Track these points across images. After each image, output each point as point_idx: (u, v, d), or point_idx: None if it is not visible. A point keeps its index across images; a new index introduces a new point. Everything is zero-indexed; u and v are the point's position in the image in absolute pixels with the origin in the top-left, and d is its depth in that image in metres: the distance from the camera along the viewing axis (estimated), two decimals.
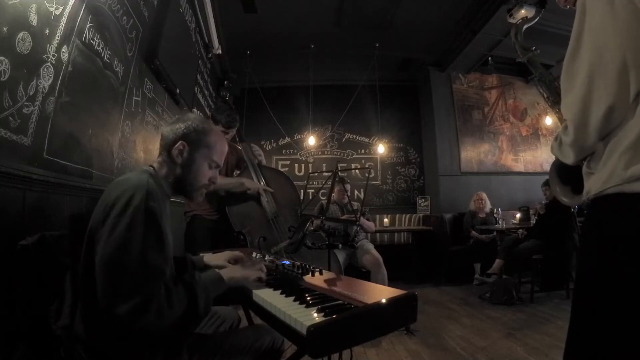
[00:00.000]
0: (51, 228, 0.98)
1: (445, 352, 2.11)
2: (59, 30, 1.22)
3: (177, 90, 2.60)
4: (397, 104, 5.28)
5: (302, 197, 3.13)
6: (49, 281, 0.88)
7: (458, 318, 2.78)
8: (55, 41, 1.21)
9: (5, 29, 0.97)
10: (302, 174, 5.10)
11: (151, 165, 1.01)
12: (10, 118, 1.02)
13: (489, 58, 4.48)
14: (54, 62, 1.20)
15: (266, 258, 1.29)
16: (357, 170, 5.10)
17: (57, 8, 1.20)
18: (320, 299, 0.83)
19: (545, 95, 1.03)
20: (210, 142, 1.02)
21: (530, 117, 5.13)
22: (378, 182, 5.20)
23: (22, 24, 1.04)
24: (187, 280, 0.84)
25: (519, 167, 4.97)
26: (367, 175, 3.36)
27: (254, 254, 1.36)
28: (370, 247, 2.90)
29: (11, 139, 1.03)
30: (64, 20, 1.24)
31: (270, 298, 0.86)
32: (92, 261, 0.78)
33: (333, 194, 2.54)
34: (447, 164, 4.76)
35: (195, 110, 3.27)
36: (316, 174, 5.05)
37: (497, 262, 3.49)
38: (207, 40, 3.63)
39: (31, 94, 1.10)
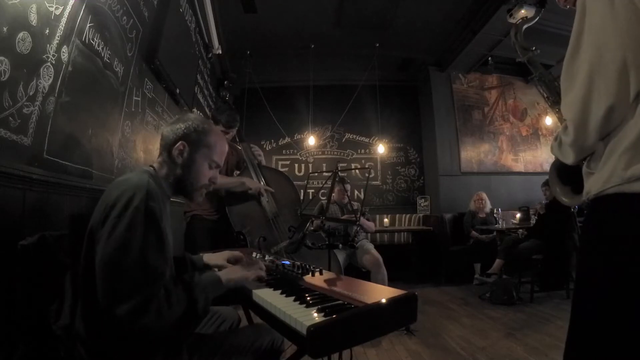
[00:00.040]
0: (51, 228, 0.98)
1: (445, 352, 2.10)
2: (59, 30, 1.22)
3: (177, 90, 2.60)
4: (397, 104, 5.28)
5: (302, 197, 3.13)
6: (49, 281, 0.88)
7: (458, 318, 2.78)
8: (55, 41, 1.21)
9: (5, 29, 0.97)
10: (302, 174, 5.10)
11: (151, 166, 1.01)
12: (10, 118, 1.02)
13: (489, 58, 4.48)
14: (54, 62, 1.20)
15: (266, 258, 1.29)
16: (357, 170, 5.10)
17: (57, 8, 1.20)
18: (320, 299, 0.83)
19: (545, 95, 1.03)
20: (210, 142, 1.02)
21: (530, 117, 5.13)
22: (378, 182, 5.20)
23: (22, 24, 1.04)
24: (187, 281, 0.84)
25: (519, 167, 4.97)
26: (367, 175, 3.36)
27: (254, 254, 1.36)
28: (370, 247, 2.90)
29: (11, 139, 1.03)
30: (64, 20, 1.24)
31: (270, 298, 0.86)
32: (92, 261, 0.78)
33: (333, 194, 2.53)
34: (447, 164, 4.76)
35: (195, 110, 3.27)
36: (316, 174, 5.05)
37: (497, 262, 3.49)
38: (207, 40, 3.63)
39: (31, 94, 1.10)
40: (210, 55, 3.78)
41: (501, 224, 3.95)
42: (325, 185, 2.45)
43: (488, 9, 3.58)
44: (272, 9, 3.70)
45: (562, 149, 0.76)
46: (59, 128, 1.27)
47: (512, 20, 3.22)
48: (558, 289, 3.33)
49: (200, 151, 1.00)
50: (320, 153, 5.21)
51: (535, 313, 2.84)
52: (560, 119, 0.81)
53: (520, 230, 3.71)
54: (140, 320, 0.72)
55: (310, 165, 5.18)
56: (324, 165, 5.14)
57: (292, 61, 4.77)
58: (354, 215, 2.62)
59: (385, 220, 4.58)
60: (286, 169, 5.09)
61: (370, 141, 5.26)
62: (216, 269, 1.15)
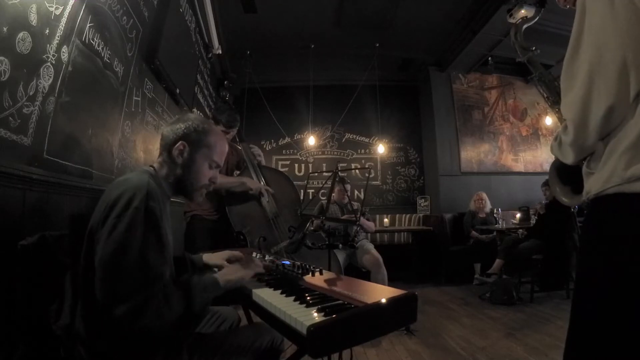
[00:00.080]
0: (51, 228, 0.98)
1: (445, 352, 2.10)
2: (59, 30, 1.22)
3: (177, 90, 2.60)
4: (397, 104, 5.28)
5: (302, 197, 3.13)
6: (49, 281, 0.88)
7: (458, 318, 2.78)
8: (55, 41, 1.21)
9: (5, 29, 0.97)
10: (302, 174, 5.10)
11: (151, 166, 1.01)
12: (10, 118, 1.02)
13: (489, 58, 4.48)
14: (54, 62, 1.20)
15: (266, 258, 1.29)
16: (357, 170, 5.10)
17: (57, 8, 1.20)
18: (320, 298, 0.83)
19: (545, 95, 1.03)
20: (210, 142, 1.02)
21: (530, 117, 5.13)
22: (378, 182, 5.20)
23: (22, 24, 1.04)
24: (185, 283, 0.84)
25: (519, 167, 4.97)
26: (367, 175, 3.36)
27: (254, 254, 1.36)
28: (370, 247, 2.90)
29: (11, 139, 1.03)
30: (64, 20, 1.24)
31: (270, 298, 0.86)
32: (92, 261, 0.78)
33: (333, 194, 2.54)
34: (447, 164, 4.76)
35: (195, 110, 3.27)
36: (316, 174, 5.05)
37: (497, 262, 3.49)
38: (207, 40, 3.63)
39: (31, 94, 1.10)
40: (210, 55, 3.79)
41: (501, 224, 3.95)
42: (325, 185, 2.46)
43: (488, 9, 3.58)
44: (272, 9, 3.70)
45: (562, 149, 0.76)
46: (59, 128, 1.27)
47: (512, 20, 3.22)
48: (558, 289, 3.33)
49: (200, 151, 1.00)
50: (320, 153, 5.21)
51: (535, 313, 2.84)
52: (560, 118, 0.81)
53: (520, 230, 3.71)
54: (139, 321, 0.73)
55: (310, 165, 5.18)
56: (324, 165, 5.14)
57: (292, 61, 4.76)
58: (354, 215, 2.62)
59: (385, 220, 4.58)
60: (286, 169, 5.09)
61: (370, 141, 5.26)
62: (216, 269, 1.15)
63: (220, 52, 3.95)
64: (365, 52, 4.56)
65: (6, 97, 0.99)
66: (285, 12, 3.79)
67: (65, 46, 1.26)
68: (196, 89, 3.38)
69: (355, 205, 3.12)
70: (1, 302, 0.90)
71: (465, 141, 4.85)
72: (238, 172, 2.27)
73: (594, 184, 0.67)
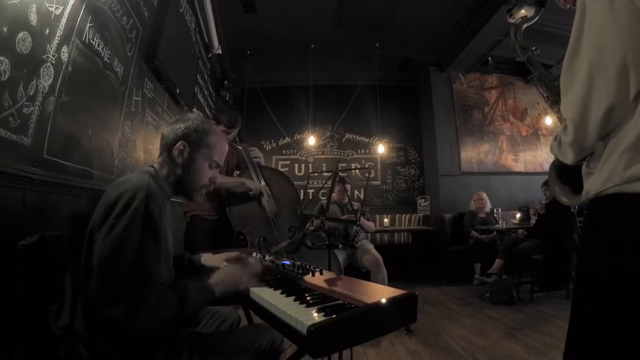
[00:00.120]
0: (51, 228, 0.98)
1: (445, 352, 2.11)
2: (59, 30, 1.22)
3: (177, 90, 2.60)
4: (397, 104, 5.28)
5: (302, 197, 3.13)
6: (49, 281, 0.88)
7: (458, 318, 2.78)
8: (55, 41, 1.21)
9: (5, 29, 0.97)
10: (302, 174, 5.10)
11: (152, 166, 1.01)
12: (10, 118, 1.02)
13: (489, 58, 4.48)
14: (54, 62, 1.20)
15: (266, 258, 1.29)
16: (357, 170, 5.10)
17: (57, 8, 1.20)
18: (321, 298, 0.83)
19: (545, 95, 1.03)
20: (210, 142, 1.02)
21: (530, 117, 5.13)
22: (378, 182, 5.20)
23: (22, 24, 1.04)
24: (180, 288, 0.83)
25: (519, 167, 4.97)
26: (367, 175, 3.36)
27: (254, 254, 1.36)
28: (370, 247, 2.90)
29: (11, 139, 1.03)
30: (64, 20, 1.24)
31: (270, 298, 0.86)
32: (92, 261, 0.78)
33: (333, 194, 2.53)
34: (447, 164, 4.76)
35: (195, 110, 3.27)
36: (316, 174, 5.05)
37: (497, 262, 3.49)
38: (207, 40, 3.63)
39: (31, 94, 1.10)
40: (210, 55, 3.79)
41: (501, 224, 3.95)
42: (325, 185, 2.46)
43: (488, 9, 3.58)
44: (272, 9, 3.70)
45: (561, 149, 0.76)
46: (59, 128, 1.27)
47: (512, 20, 3.21)
48: (558, 289, 3.33)
49: (200, 151, 1.00)
50: (320, 153, 5.21)
51: (535, 313, 2.84)
52: (560, 118, 0.81)
53: (520, 230, 3.71)
54: (128, 325, 0.73)
55: (310, 165, 5.18)
56: (324, 165, 5.14)
57: (292, 61, 4.76)
58: (354, 215, 2.62)
59: (385, 220, 4.58)
60: (286, 169, 5.09)
61: (370, 141, 5.26)
62: (214, 271, 1.15)
63: (220, 52, 3.95)
64: (365, 52, 4.56)
65: (6, 97, 0.99)
66: (285, 12, 3.79)
67: (65, 46, 1.26)
68: (196, 89, 3.38)
69: (355, 205, 3.12)
70: (1, 302, 0.90)
71: (465, 141, 4.85)
72: (238, 172, 2.27)
73: (594, 184, 0.67)
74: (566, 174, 0.86)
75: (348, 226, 2.98)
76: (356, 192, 4.99)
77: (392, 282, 2.55)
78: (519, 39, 1.11)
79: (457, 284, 3.97)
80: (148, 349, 0.80)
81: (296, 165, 5.18)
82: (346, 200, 3.07)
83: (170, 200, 1.02)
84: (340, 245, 2.77)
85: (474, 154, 4.87)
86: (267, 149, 5.12)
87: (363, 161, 5.22)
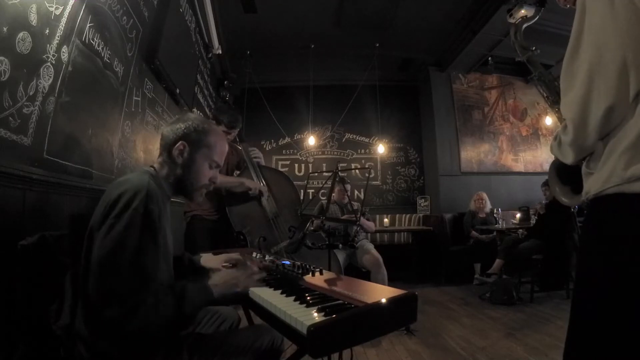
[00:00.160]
0: (51, 228, 0.98)
1: (445, 352, 2.11)
2: (59, 30, 1.22)
3: (177, 90, 2.60)
4: (397, 104, 5.28)
5: (302, 197, 3.13)
6: (49, 281, 0.88)
7: (458, 318, 2.78)
8: (55, 41, 1.21)
9: (5, 29, 0.97)
10: (302, 174, 5.10)
11: (152, 166, 1.01)
12: (10, 118, 1.02)
13: (489, 58, 4.48)
14: (54, 62, 1.20)
15: (266, 258, 1.29)
16: (357, 170, 5.10)
17: (57, 8, 1.20)
18: (321, 298, 0.83)
19: (545, 95, 1.03)
20: (210, 142, 1.02)
21: (530, 117, 5.13)
22: (378, 182, 5.20)
23: (22, 24, 1.04)
24: (178, 290, 0.83)
25: (519, 167, 4.97)
26: (367, 175, 3.36)
27: (254, 254, 1.36)
28: (370, 247, 2.90)
29: (11, 139, 1.03)
30: (64, 20, 1.24)
31: (270, 298, 0.86)
32: (91, 261, 0.78)
33: (333, 194, 2.54)
34: (447, 164, 4.76)
35: (195, 110, 3.27)
36: (316, 174, 5.05)
37: (497, 262, 3.50)
38: (207, 40, 3.63)
39: (31, 94, 1.10)
40: (210, 55, 3.79)
41: (501, 224, 3.95)
42: (325, 185, 2.46)
43: (488, 9, 3.58)
44: (272, 9, 3.70)
45: (561, 149, 0.76)
46: (59, 128, 1.27)
47: (511, 21, 3.21)
48: (558, 289, 3.33)
49: (200, 151, 1.00)
50: (320, 153, 5.21)
51: (535, 313, 2.84)
52: (560, 118, 0.81)
53: (520, 230, 3.71)
54: (127, 325, 0.73)
55: (310, 165, 5.18)
56: (324, 165, 5.14)
57: (292, 61, 4.76)
58: (354, 215, 2.62)
59: (385, 220, 4.58)
60: (286, 169, 5.09)
61: (370, 141, 5.26)
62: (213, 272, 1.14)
63: (220, 52, 3.95)
64: (365, 52, 4.56)
65: (6, 97, 0.99)
66: (285, 12, 3.79)
67: (65, 46, 1.26)
68: (196, 89, 3.38)
69: (355, 205, 3.12)
70: (1, 302, 0.90)
71: (465, 141, 4.85)
72: (238, 172, 2.27)
73: (594, 184, 0.67)
74: (566, 174, 0.86)
75: (348, 226, 2.98)
76: (356, 192, 4.99)
77: (392, 282, 2.55)
78: (519, 38, 1.12)
79: (457, 284, 3.97)
80: (148, 349, 0.80)
81: (296, 165, 5.18)
82: (346, 200, 3.07)
83: (170, 200, 1.02)
84: (340, 245, 2.77)
85: (474, 154, 4.87)
86: (267, 149, 5.12)
87: (363, 161, 5.22)
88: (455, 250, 4.15)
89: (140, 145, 2.11)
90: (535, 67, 1.04)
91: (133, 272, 0.76)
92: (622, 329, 0.60)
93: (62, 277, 0.88)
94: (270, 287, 0.96)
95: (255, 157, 2.26)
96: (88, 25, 1.41)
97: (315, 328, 0.64)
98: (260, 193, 2.11)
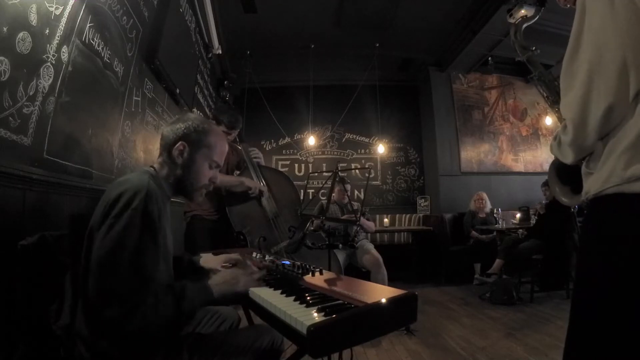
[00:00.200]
0: (51, 228, 0.98)
1: (445, 352, 2.11)
2: (59, 30, 1.22)
3: (177, 90, 2.60)
4: (397, 104, 5.28)
5: (302, 197, 3.13)
6: (49, 281, 0.88)
7: (458, 318, 2.78)
8: (55, 41, 1.21)
9: (5, 29, 0.97)
10: (302, 174, 5.10)
11: (152, 166, 1.01)
12: (10, 118, 1.02)
13: (489, 58, 4.48)
14: (54, 62, 1.20)
15: (266, 258, 1.29)
16: (357, 170, 5.10)
17: (57, 8, 1.20)
18: (321, 298, 0.83)
19: (545, 95, 1.03)
20: (210, 142, 1.02)
21: (530, 117, 5.13)
22: (378, 182, 5.20)
23: (22, 24, 1.04)
24: (178, 290, 0.83)
25: (519, 167, 4.97)
26: (367, 175, 3.36)
27: (254, 254, 1.36)
28: (370, 247, 2.90)
29: (11, 139, 1.03)
30: (64, 20, 1.24)
31: (270, 298, 0.86)
32: (91, 261, 0.78)
33: (333, 194, 2.53)
34: (447, 164, 4.76)
35: (195, 110, 3.27)
36: (316, 174, 5.05)
37: (497, 262, 3.50)
38: (207, 40, 3.63)
39: (31, 94, 1.10)
40: (210, 55, 3.79)
41: (501, 224, 3.95)
42: (325, 185, 2.46)
43: (488, 9, 3.58)
44: (272, 9, 3.70)
45: (561, 149, 0.76)
46: (59, 128, 1.27)
47: (511, 20, 3.21)
48: (558, 289, 3.33)
49: (200, 151, 1.00)
50: (320, 153, 5.21)
51: (535, 313, 2.84)
52: (560, 118, 0.81)
53: (520, 230, 3.71)
54: (127, 325, 0.73)
55: (310, 165, 5.18)
56: (324, 165, 5.14)
57: (292, 61, 4.76)
58: (354, 215, 2.62)
59: (385, 220, 4.58)
60: (286, 169, 5.09)
61: (370, 141, 5.26)
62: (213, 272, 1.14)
63: (220, 52, 3.95)
64: (365, 52, 4.56)
65: (6, 97, 0.99)
66: (285, 12, 3.79)
67: (65, 46, 1.26)
68: (196, 89, 3.38)
69: (355, 205, 3.12)
70: (1, 302, 0.90)
71: (465, 141, 4.85)
72: (238, 172, 2.27)
73: (593, 184, 0.67)
74: (566, 174, 0.86)
75: (348, 226, 2.98)
76: (356, 192, 4.99)
77: (392, 282, 2.55)
78: (519, 38, 1.12)
79: (457, 284, 3.97)
80: (148, 349, 0.80)
81: (296, 165, 5.18)
82: (346, 200, 3.07)
83: (170, 200, 1.02)
84: (340, 245, 2.77)
85: (474, 154, 4.87)
86: (267, 149, 5.12)
87: (363, 161, 5.22)
88: (455, 250, 4.15)
89: (140, 145, 2.11)
90: (535, 67, 1.04)
91: (133, 272, 0.76)
92: (622, 329, 0.60)
93: (62, 277, 0.88)
94: (270, 287, 0.96)
95: (255, 157, 2.26)
96: (88, 25, 1.41)
97: (315, 328, 0.64)
98: (261, 193, 2.11)
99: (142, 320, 0.74)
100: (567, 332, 0.70)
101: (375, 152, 5.17)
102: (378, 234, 4.52)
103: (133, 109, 1.97)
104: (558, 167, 0.90)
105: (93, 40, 1.46)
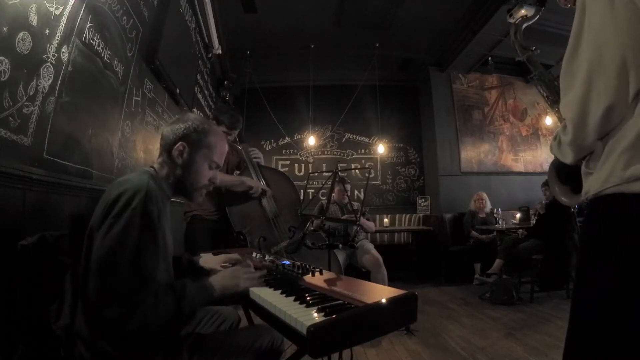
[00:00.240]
0: (51, 228, 0.98)
1: (445, 352, 2.11)
2: (59, 30, 1.22)
3: (177, 90, 2.60)
4: (397, 104, 5.28)
5: (302, 197, 3.13)
6: (49, 281, 0.88)
7: (458, 318, 2.78)
8: (55, 41, 1.21)
9: (5, 29, 0.97)
10: (302, 174, 5.10)
11: (152, 166, 1.01)
12: (10, 118, 1.02)
13: (489, 58, 4.48)
14: (54, 62, 1.20)
15: (266, 258, 1.29)
16: (357, 170, 5.10)
17: (57, 8, 1.20)
18: (320, 298, 0.83)
19: (545, 95, 1.03)
20: (210, 142, 1.02)
21: (530, 117, 5.13)
22: (378, 182, 5.20)
23: (22, 24, 1.04)
24: (178, 290, 0.83)
25: (519, 167, 4.97)
26: (367, 175, 3.36)
27: (254, 254, 1.36)
28: (370, 247, 2.90)
29: (11, 139, 1.03)
30: (64, 20, 1.24)
31: (270, 298, 0.86)
32: (91, 261, 0.78)
33: (333, 194, 2.53)
34: (447, 164, 4.76)
35: (195, 110, 3.27)
36: (316, 174, 5.05)
37: (497, 262, 3.50)
38: (207, 40, 3.63)
39: (31, 94, 1.10)
40: (210, 55, 3.79)
41: (501, 224, 3.95)
42: (325, 185, 2.46)
43: (488, 9, 3.59)
44: (272, 9, 3.70)
45: (561, 148, 0.76)
46: (59, 128, 1.27)
47: (511, 20, 3.21)
48: (558, 289, 3.33)
49: (200, 152, 1.00)
50: (320, 153, 5.21)
51: (535, 313, 2.84)
52: (560, 118, 0.81)
53: (520, 230, 3.71)
54: (127, 325, 0.73)
55: (310, 165, 5.18)
56: (324, 165, 5.14)
57: (292, 61, 4.76)
58: (354, 215, 2.62)
59: (385, 220, 4.58)
60: (286, 169, 5.09)
61: (370, 141, 5.26)
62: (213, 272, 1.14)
63: (220, 52, 3.95)
64: (365, 52, 4.56)
65: (6, 97, 0.99)
66: (285, 12, 3.79)
67: (65, 46, 1.26)
68: (196, 89, 3.38)
69: (355, 205, 3.12)
70: (1, 302, 0.90)
71: (465, 141, 4.85)
72: (238, 172, 2.27)
73: (593, 183, 0.67)
74: (566, 174, 0.86)
75: (348, 226, 2.98)
76: (356, 192, 4.99)
77: (392, 282, 2.55)
78: (519, 38, 1.12)
79: (457, 284, 3.97)
80: (148, 349, 0.80)
81: (296, 165, 5.18)
82: (346, 200, 3.07)
83: (170, 200, 1.02)
84: (340, 245, 2.77)
85: (474, 154, 4.87)
86: (267, 149, 5.12)
87: (363, 161, 5.22)
88: (455, 250, 4.15)
89: (140, 145, 2.11)
90: (535, 66, 1.04)
91: (133, 272, 0.76)
92: (621, 329, 0.60)
93: (62, 277, 0.88)
94: (270, 287, 0.97)
95: (255, 157, 2.26)
96: (88, 25, 1.41)
97: (315, 328, 0.64)
98: (263, 192, 2.11)
99: (142, 320, 0.74)
100: (567, 332, 0.70)
101: (375, 152, 5.18)
102: (378, 234, 4.52)
103: (133, 109, 1.97)
104: (558, 167, 0.89)
105: (93, 40, 1.46)
